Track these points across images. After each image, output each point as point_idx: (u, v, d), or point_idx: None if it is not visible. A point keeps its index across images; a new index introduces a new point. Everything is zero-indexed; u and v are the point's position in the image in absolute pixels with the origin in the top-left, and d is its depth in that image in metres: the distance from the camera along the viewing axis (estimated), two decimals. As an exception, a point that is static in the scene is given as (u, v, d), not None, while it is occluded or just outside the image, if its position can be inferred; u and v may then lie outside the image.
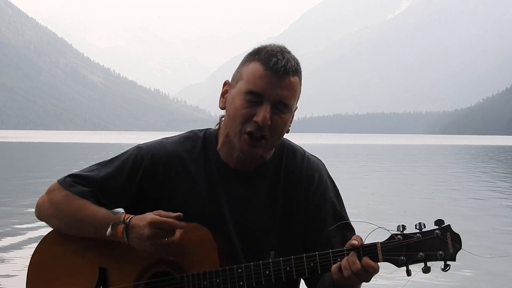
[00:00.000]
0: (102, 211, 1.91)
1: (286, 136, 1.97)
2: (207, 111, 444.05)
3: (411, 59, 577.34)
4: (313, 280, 1.96)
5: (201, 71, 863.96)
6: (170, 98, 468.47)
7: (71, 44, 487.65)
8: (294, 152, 2.02)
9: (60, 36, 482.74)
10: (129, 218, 1.86)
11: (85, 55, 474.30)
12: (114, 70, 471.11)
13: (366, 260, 1.76)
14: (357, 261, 1.77)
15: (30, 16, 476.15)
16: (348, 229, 1.96)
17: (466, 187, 17.42)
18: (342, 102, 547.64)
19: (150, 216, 1.84)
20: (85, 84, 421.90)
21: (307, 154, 2.04)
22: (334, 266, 1.80)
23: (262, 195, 1.96)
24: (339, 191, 2.05)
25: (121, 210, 1.89)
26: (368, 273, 1.78)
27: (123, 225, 1.85)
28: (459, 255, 1.75)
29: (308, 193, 1.98)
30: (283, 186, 1.98)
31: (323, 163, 2.06)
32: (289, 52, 1.89)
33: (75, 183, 1.95)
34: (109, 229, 1.85)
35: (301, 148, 2.05)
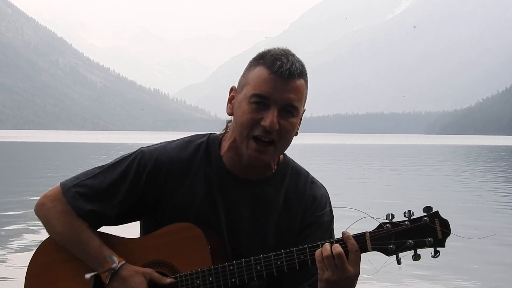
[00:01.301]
0: (94, 243, 1.93)
1: (294, 139, 1.96)
2: (207, 111, 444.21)
3: (410, 59, 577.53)
4: None
5: (200, 71, 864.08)
6: (170, 98, 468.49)
7: (70, 44, 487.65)
8: (297, 173, 2.03)
9: (59, 36, 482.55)
10: (120, 264, 1.90)
11: (84, 55, 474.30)
12: (113, 70, 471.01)
13: (336, 246, 1.78)
14: (328, 248, 1.79)
15: (29, 16, 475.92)
16: None
17: (466, 187, 17.39)
18: (342, 102, 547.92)
19: (142, 284, 1.87)
20: (84, 84, 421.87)
21: (310, 177, 2.04)
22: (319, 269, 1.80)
23: (258, 206, 1.97)
24: (334, 218, 2.03)
25: (115, 259, 1.91)
26: (337, 261, 1.77)
27: (110, 268, 1.90)
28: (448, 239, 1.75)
29: (305, 214, 1.98)
30: (281, 203, 1.98)
31: (326, 190, 2.06)
32: (293, 55, 1.89)
33: (79, 195, 1.95)
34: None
35: (305, 170, 2.06)
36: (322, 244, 1.80)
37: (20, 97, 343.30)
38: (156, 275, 1.88)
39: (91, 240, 1.93)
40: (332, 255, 1.77)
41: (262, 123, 1.84)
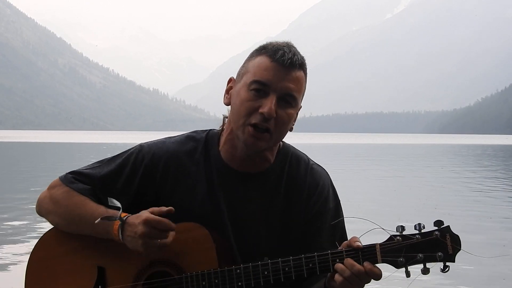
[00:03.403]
0: (101, 209, 1.91)
1: (288, 134, 1.95)
2: (206, 111, 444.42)
3: (409, 59, 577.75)
4: None
5: (199, 71, 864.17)
6: (169, 98, 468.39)
7: (69, 44, 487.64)
8: (298, 159, 2.02)
9: (58, 36, 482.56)
10: (126, 216, 1.86)
11: (83, 55, 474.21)
12: (112, 70, 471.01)
13: (369, 265, 1.77)
14: (356, 264, 1.77)
15: (29, 16, 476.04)
16: (344, 241, 1.88)
17: (466, 187, 17.36)
18: (341, 102, 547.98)
19: (145, 214, 1.83)
20: (83, 84, 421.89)
21: (311, 162, 2.03)
22: (337, 275, 1.80)
23: (261, 200, 1.96)
24: (340, 201, 2.03)
25: (118, 204, 1.87)
26: (369, 277, 1.78)
27: (119, 222, 1.85)
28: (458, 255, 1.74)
29: (309, 202, 1.98)
30: (284, 192, 1.98)
31: (327, 173, 2.06)
32: (295, 47, 1.90)
33: (76, 180, 1.97)
34: (98, 219, 1.85)
35: (306, 156, 2.05)
36: (332, 253, 1.80)
37: (19, 98, 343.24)
38: (156, 208, 1.86)
39: (96, 208, 1.92)
40: (363, 271, 1.77)
41: (260, 110, 1.84)
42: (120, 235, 1.85)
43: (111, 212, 1.88)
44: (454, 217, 10.27)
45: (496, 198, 14.35)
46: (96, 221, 1.85)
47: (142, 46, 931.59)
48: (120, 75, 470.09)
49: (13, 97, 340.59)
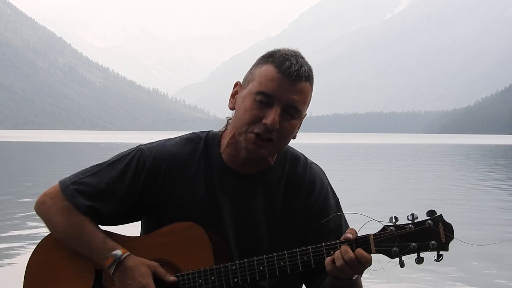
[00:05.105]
0: (98, 236, 1.92)
1: (292, 142, 1.97)
2: (206, 111, 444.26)
3: (409, 58, 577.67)
4: (314, 285, 2.00)
5: (199, 71, 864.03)
6: (169, 98, 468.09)
7: (69, 43, 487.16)
8: (296, 159, 2.03)
9: (58, 36, 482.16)
10: (125, 255, 1.88)
11: (83, 54, 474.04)
12: (112, 69, 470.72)
13: (360, 250, 1.77)
14: (350, 251, 1.77)
15: (28, 15, 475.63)
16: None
17: (465, 187, 17.37)
18: (341, 102, 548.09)
19: (147, 280, 1.86)
20: (83, 84, 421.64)
21: (309, 161, 2.05)
22: (328, 259, 1.80)
23: (262, 200, 1.97)
24: (339, 199, 2.06)
25: (119, 252, 1.89)
26: (361, 264, 1.78)
27: (113, 258, 1.88)
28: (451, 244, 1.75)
29: (309, 200, 1.99)
30: (284, 192, 1.99)
31: (324, 171, 2.07)
32: (303, 58, 1.89)
33: (78, 192, 1.94)
34: (110, 259, 1.90)
35: (304, 155, 2.06)
36: (326, 245, 1.82)
37: (19, 97, 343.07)
38: (161, 270, 1.88)
39: (94, 234, 1.92)
40: (355, 259, 1.78)
41: (264, 120, 1.84)
42: (112, 270, 1.88)
43: (110, 244, 1.91)
44: (450, 213, 10.27)
45: (493, 194, 14.38)
46: (107, 256, 1.88)
47: (142, 45, 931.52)
48: (120, 74, 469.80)
49: (13, 96, 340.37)
